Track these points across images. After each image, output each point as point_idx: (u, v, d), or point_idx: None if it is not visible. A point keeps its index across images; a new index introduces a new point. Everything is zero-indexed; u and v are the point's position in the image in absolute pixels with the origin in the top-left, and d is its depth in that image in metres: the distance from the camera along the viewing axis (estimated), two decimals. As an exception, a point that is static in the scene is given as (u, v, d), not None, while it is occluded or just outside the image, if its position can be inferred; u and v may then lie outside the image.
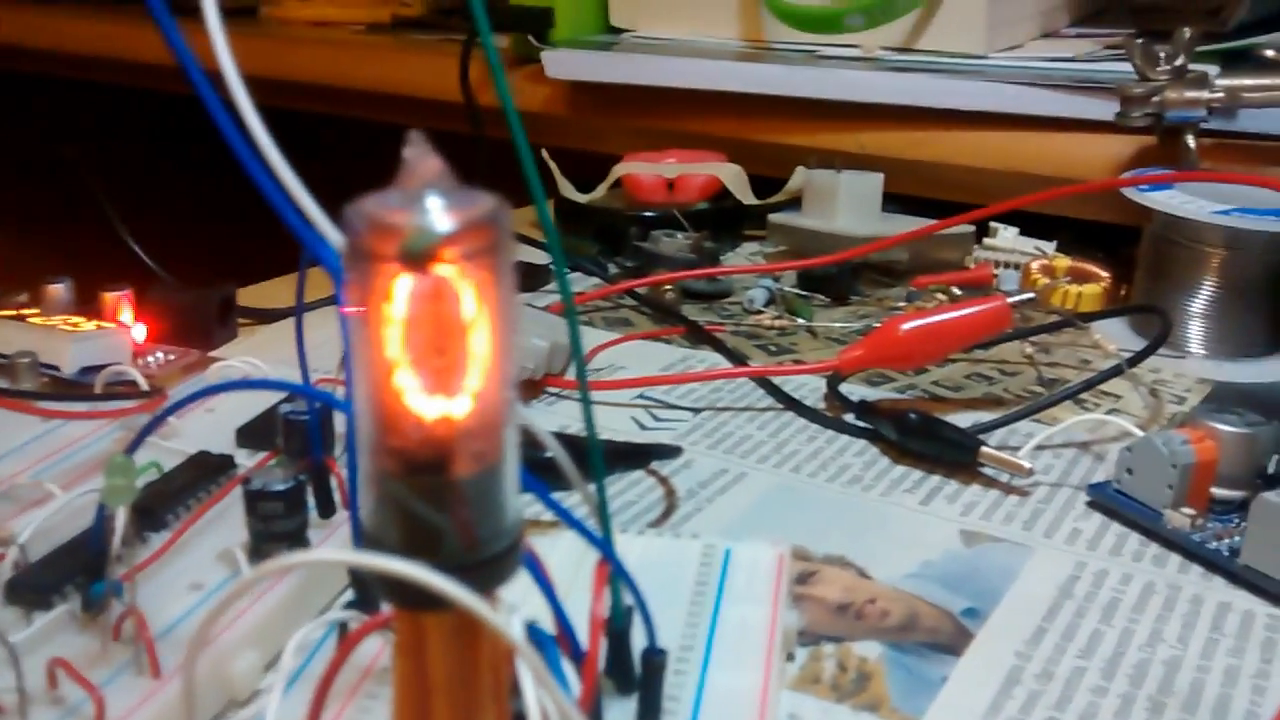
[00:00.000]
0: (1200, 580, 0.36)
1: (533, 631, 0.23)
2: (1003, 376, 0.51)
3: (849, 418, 0.46)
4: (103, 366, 0.44)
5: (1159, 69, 0.57)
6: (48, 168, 1.00)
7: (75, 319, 0.48)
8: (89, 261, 0.55)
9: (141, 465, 0.32)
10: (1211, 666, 0.32)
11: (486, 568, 0.19)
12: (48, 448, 0.40)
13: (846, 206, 0.62)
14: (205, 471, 0.37)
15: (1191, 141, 0.58)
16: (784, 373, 0.50)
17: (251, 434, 0.41)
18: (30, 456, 0.39)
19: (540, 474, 0.23)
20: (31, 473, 0.38)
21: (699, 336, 0.55)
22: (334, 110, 0.90)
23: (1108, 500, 0.40)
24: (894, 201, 0.64)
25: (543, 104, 0.78)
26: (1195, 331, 0.53)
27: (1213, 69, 0.59)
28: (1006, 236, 0.62)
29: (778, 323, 0.56)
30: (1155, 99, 0.57)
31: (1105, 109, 0.60)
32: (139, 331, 0.50)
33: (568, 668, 0.24)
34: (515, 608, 0.22)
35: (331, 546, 0.33)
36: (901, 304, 0.59)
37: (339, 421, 0.39)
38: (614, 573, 0.26)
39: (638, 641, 0.27)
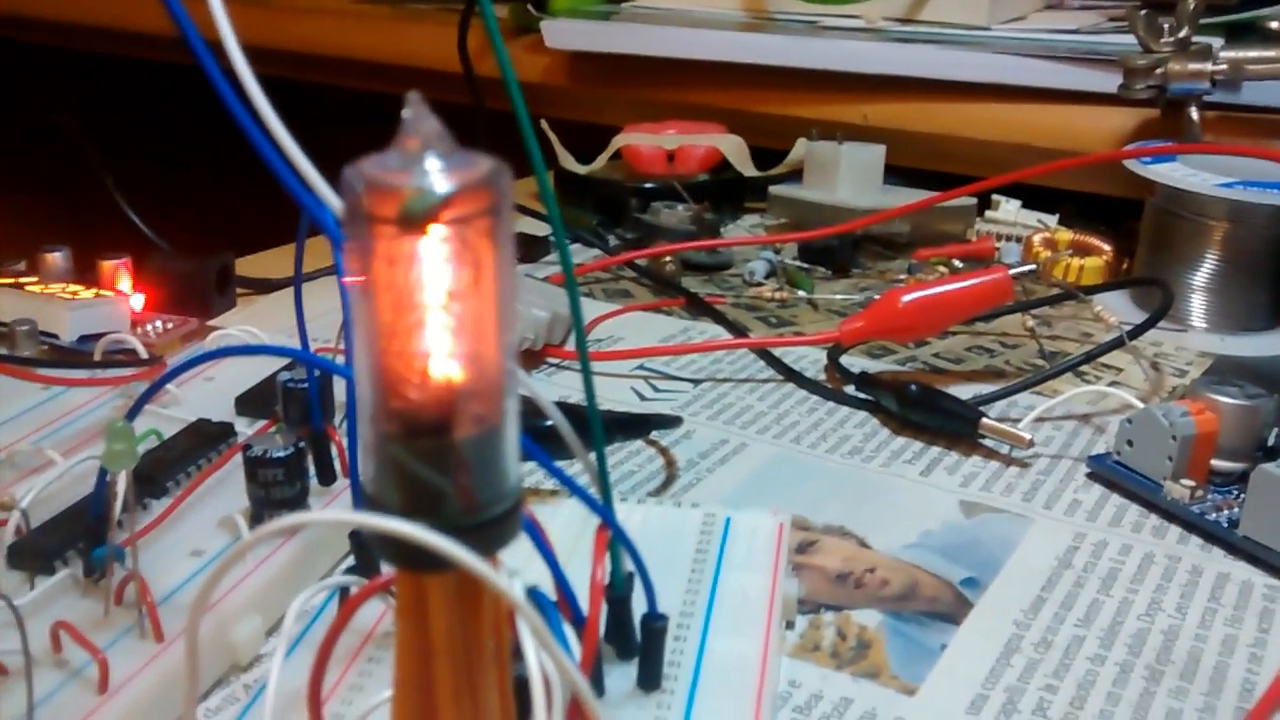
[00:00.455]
0: (1199, 551, 0.36)
1: (534, 596, 0.23)
2: (1003, 349, 0.51)
3: (849, 389, 0.46)
4: (101, 334, 0.44)
5: (1162, 41, 0.57)
6: (44, 137, 0.99)
7: (74, 287, 0.48)
8: (86, 230, 0.55)
9: (141, 433, 0.32)
10: (1209, 636, 0.32)
11: (487, 529, 0.19)
12: (47, 415, 0.40)
13: (848, 178, 0.62)
14: (205, 439, 0.37)
15: (1195, 114, 0.58)
16: (784, 344, 0.50)
17: (250, 402, 0.41)
18: (30, 424, 0.39)
19: (541, 442, 0.23)
20: (32, 440, 0.38)
21: (699, 308, 0.54)
22: (331, 80, 0.90)
23: (1108, 472, 0.40)
24: (895, 173, 0.64)
25: (542, 74, 0.77)
26: (1197, 305, 0.53)
27: (1217, 41, 0.59)
28: (1008, 209, 0.62)
29: (778, 295, 0.56)
30: (1159, 71, 0.57)
31: (1108, 81, 0.59)
32: (137, 300, 0.50)
33: (569, 633, 0.24)
34: (516, 572, 0.22)
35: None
36: (902, 276, 0.59)
37: (338, 390, 0.39)
38: (614, 538, 0.26)
39: (638, 608, 0.28)
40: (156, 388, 0.27)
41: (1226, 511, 0.37)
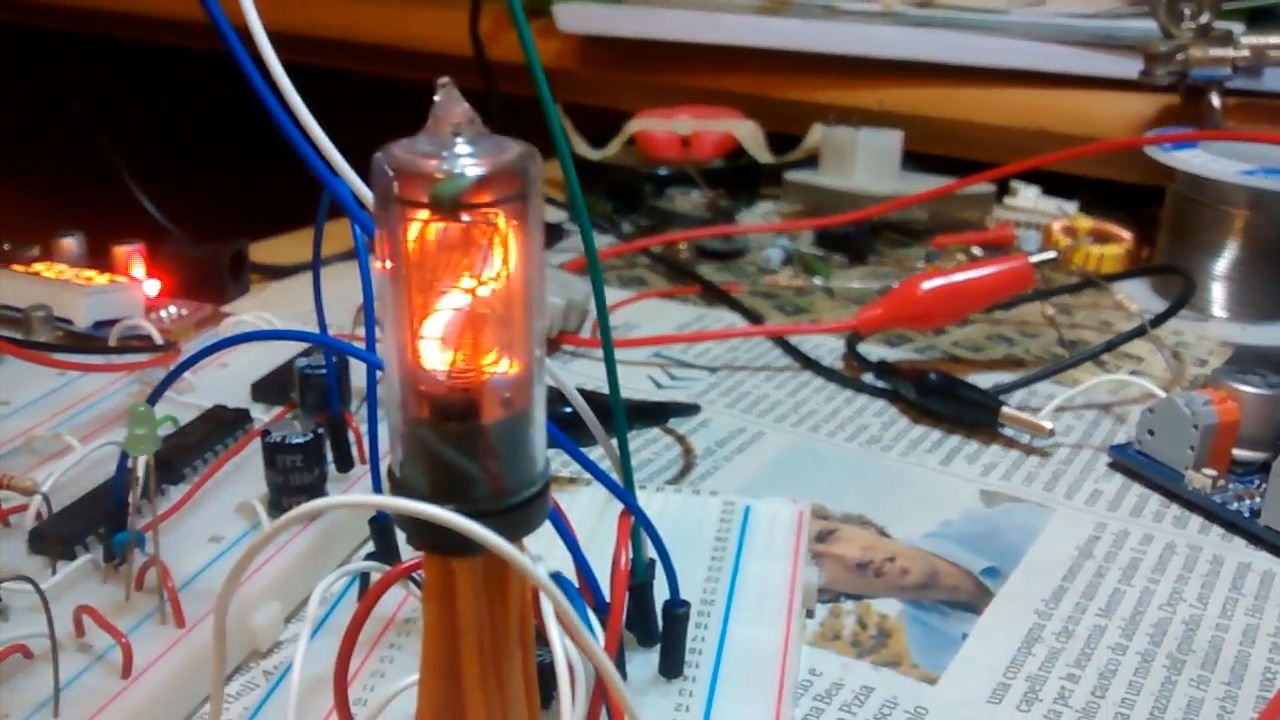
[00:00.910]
0: (1220, 541, 0.36)
1: (558, 581, 0.23)
2: (1023, 337, 0.51)
3: (868, 378, 0.46)
4: (115, 320, 0.43)
5: (1184, 26, 0.56)
6: (57, 122, 0.99)
7: (88, 273, 0.48)
8: (98, 216, 0.55)
9: (157, 419, 0.32)
10: (1230, 625, 0.32)
11: (515, 514, 0.19)
12: (64, 400, 0.40)
13: (865, 164, 0.62)
14: (221, 425, 0.37)
15: (1216, 100, 0.57)
16: (802, 331, 0.50)
17: (266, 388, 0.40)
18: (47, 409, 0.39)
19: (561, 428, 0.23)
20: (49, 425, 0.38)
21: (715, 296, 0.54)
22: (340, 64, 0.90)
23: (1129, 461, 0.40)
24: (913, 159, 0.64)
25: (554, 59, 0.77)
26: (1218, 293, 0.53)
27: (1238, 27, 0.58)
28: (1028, 196, 0.61)
29: (794, 282, 0.56)
30: (1180, 57, 0.56)
31: (1129, 66, 0.59)
32: (153, 286, 0.50)
33: (592, 619, 0.24)
34: (540, 558, 0.22)
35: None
36: (920, 264, 0.58)
37: (355, 375, 0.39)
38: (636, 524, 0.26)
39: (659, 596, 0.27)
40: (178, 373, 0.27)
41: (1248, 501, 0.37)
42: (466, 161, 0.17)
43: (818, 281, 0.56)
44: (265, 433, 0.33)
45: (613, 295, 0.54)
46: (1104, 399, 0.45)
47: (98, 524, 0.30)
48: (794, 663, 0.28)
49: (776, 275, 0.57)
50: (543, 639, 0.21)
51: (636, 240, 0.59)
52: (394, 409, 0.18)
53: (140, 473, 0.28)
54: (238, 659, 0.29)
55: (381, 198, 0.17)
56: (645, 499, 0.34)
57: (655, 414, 0.42)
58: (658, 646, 0.27)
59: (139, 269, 0.50)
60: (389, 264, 0.17)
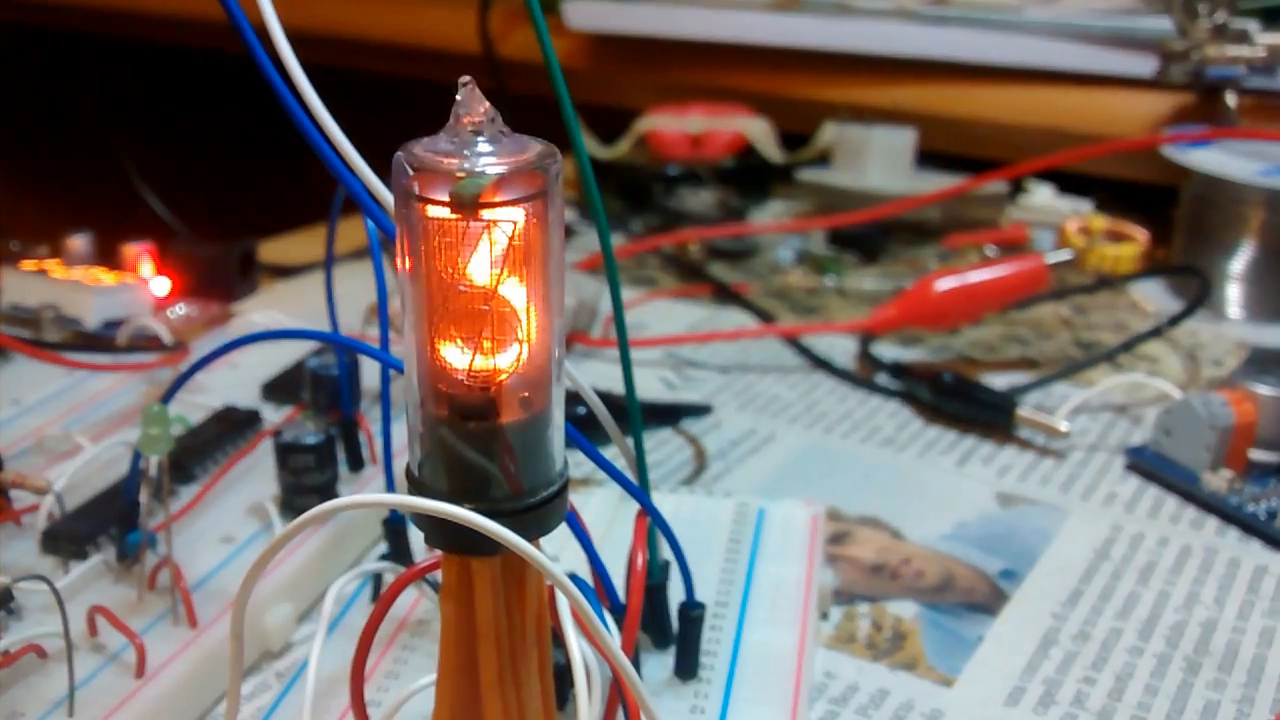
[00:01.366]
0: (1237, 543, 0.36)
1: (573, 582, 0.23)
2: (1038, 338, 0.51)
3: (881, 378, 0.46)
4: (125, 320, 0.43)
5: (1199, 24, 0.56)
6: (67, 122, 0.99)
7: (97, 272, 0.48)
8: (107, 216, 0.55)
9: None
10: (1247, 628, 0.32)
11: (533, 514, 0.18)
12: (74, 400, 0.40)
13: (877, 163, 0.61)
14: (232, 425, 0.37)
15: (1231, 99, 0.57)
16: (814, 331, 0.49)
17: (277, 388, 0.40)
18: (57, 409, 0.39)
19: (576, 427, 0.23)
20: (60, 425, 0.38)
21: (726, 295, 0.54)
22: (350, 62, 0.89)
23: (1145, 462, 0.39)
24: (926, 158, 0.63)
25: (564, 56, 0.76)
26: (1234, 293, 0.52)
27: (1254, 25, 0.58)
28: (1042, 195, 0.61)
29: (806, 282, 0.56)
30: (1195, 55, 0.56)
31: (1143, 65, 0.58)
32: (160, 285, 0.50)
33: (608, 620, 0.24)
34: (555, 559, 0.21)
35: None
36: (933, 264, 0.58)
37: (366, 376, 0.39)
38: (652, 525, 0.25)
39: (673, 598, 0.27)
40: (192, 372, 0.27)
41: (1265, 503, 0.36)
42: (487, 160, 0.17)
43: (830, 281, 0.56)
44: (277, 433, 0.33)
45: (623, 295, 0.54)
46: (1120, 400, 0.45)
47: (110, 524, 0.30)
48: (809, 665, 0.28)
49: (788, 275, 0.57)
50: (558, 640, 0.21)
51: (647, 239, 0.59)
52: (413, 409, 0.18)
53: (153, 473, 0.28)
54: (250, 659, 0.29)
55: (402, 196, 0.17)
56: (659, 500, 0.34)
57: (667, 414, 0.42)
58: (672, 648, 0.27)
59: (148, 268, 0.50)
60: (409, 262, 0.17)
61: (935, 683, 0.29)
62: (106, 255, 0.50)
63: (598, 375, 0.46)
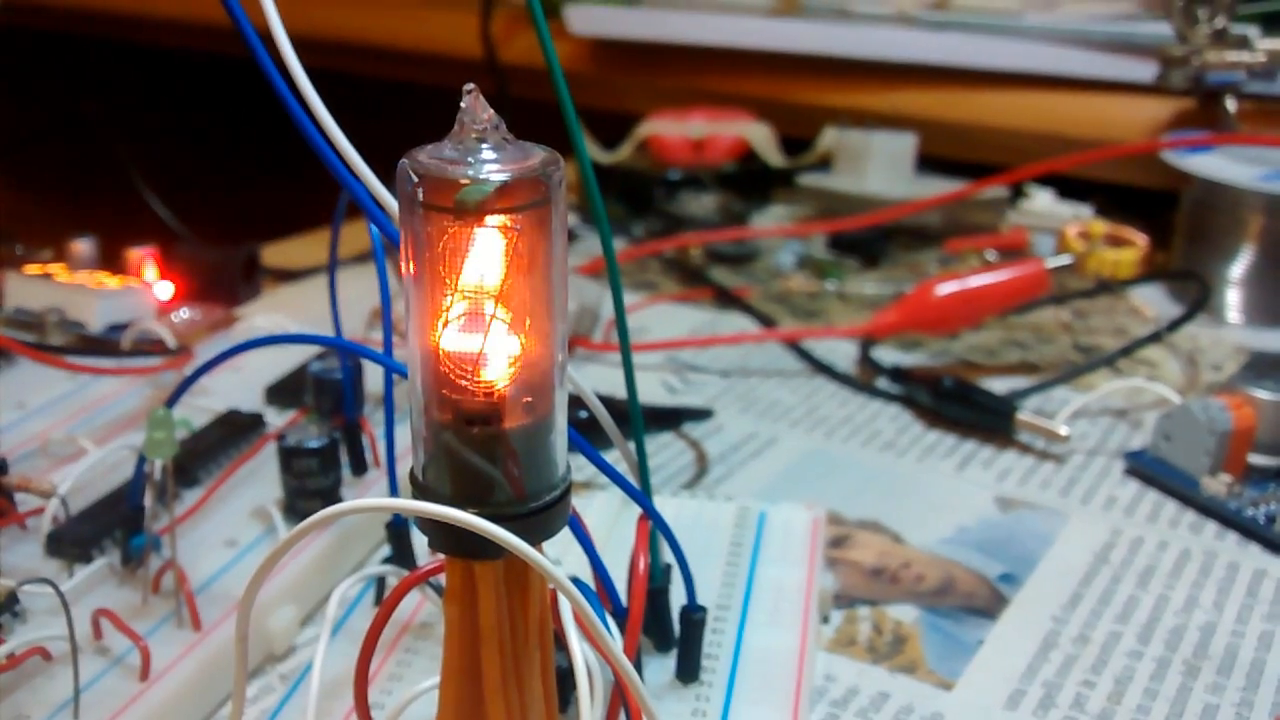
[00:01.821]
0: (1236, 547, 0.36)
1: (575, 585, 0.23)
2: (1038, 342, 0.51)
3: (881, 383, 0.46)
4: (129, 323, 0.44)
5: (1199, 30, 0.56)
6: (70, 126, 0.99)
7: (101, 276, 0.48)
8: (111, 220, 0.55)
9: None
10: (1246, 631, 0.32)
11: (536, 518, 0.19)
12: (78, 404, 0.40)
13: (878, 168, 0.61)
14: (235, 429, 0.37)
15: (1231, 104, 0.57)
16: (815, 335, 0.50)
17: (280, 392, 0.41)
18: (62, 412, 0.39)
19: (578, 431, 0.23)
20: (64, 429, 0.38)
21: (727, 300, 0.54)
22: (351, 67, 0.90)
23: (1144, 467, 0.39)
24: (927, 163, 0.63)
25: (565, 61, 0.77)
26: (1234, 298, 0.52)
27: (1254, 30, 0.58)
28: (1042, 200, 0.61)
29: (807, 286, 0.56)
30: (1195, 61, 0.56)
31: (1144, 70, 0.59)
32: (164, 289, 0.50)
33: (609, 623, 0.24)
34: (558, 563, 0.22)
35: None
36: (934, 268, 0.58)
37: (369, 380, 0.39)
38: (654, 529, 0.25)
39: (675, 601, 0.27)
40: (197, 376, 0.27)
41: (1264, 507, 0.37)
42: (491, 168, 0.17)
43: (830, 286, 0.56)
44: (281, 437, 0.33)
45: (625, 299, 0.54)
46: (1119, 405, 0.45)
47: (114, 527, 0.30)
48: (810, 668, 0.28)
49: (789, 279, 0.57)
50: (560, 642, 0.22)
51: (648, 244, 0.59)
52: (417, 413, 0.18)
53: (158, 476, 0.28)
54: (254, 662, 0.29)
55: (406, 203, 0.17)
56: (660, 504, 0.34)
57: (669, 418, 0.42)
58: (674, 651, 0.27)
59: (151, 272, 0.50)
60: (413, 267, 0.17)
61: (935, 686, 0.30)
62: (110, 259, 0.50)
63: (599, 379, 0.46)
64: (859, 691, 0.29)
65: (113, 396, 0.41)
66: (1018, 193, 0.63)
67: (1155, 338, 0.46)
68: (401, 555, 0.30)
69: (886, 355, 0.49)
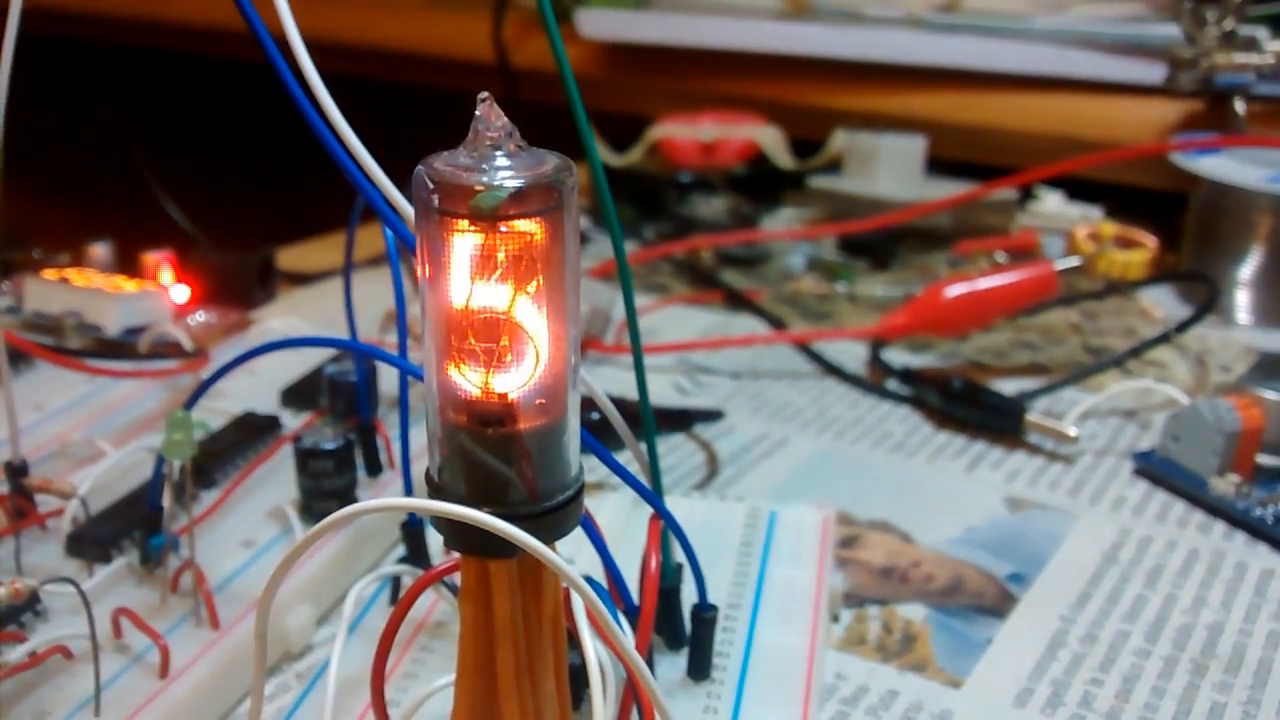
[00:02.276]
0: (1245, 547, 0.36)
1: (588, 583, 0.23)
2: (1047, 344, 0.51)
3: (891, 384, 0.46)
4: (145, 327, 0.44)
5: (1208, 32, 0.56)
6: (87, 131, 1.00)
7: (118, 280, 0.49)
8: (127, 224, 0.56)
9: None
10: (1254, 631, 0.32)
11: (550, 517, 0.19)
12: (96, 406, 0.41)
13: (888, 170, 0.62)
14: (252, 431, 0.37)
15: (1240, 106, 0.57)
16: (825, 337, 0.50)
17: (296, 394, 0.41)
18: (80, 414, 0.40)
19: (591, 433, 0.24)
20: (82, 430, 0.38)
21: (737, 302, 0.54)
22: (363, 71, 0.90)
23: (1153, 467, 0.39)
24: (936, 165, 0.64)
25: (576, 65, 0.76)
26: (1243, 300, 0.52)
27: (1262, 32, 0.58)
28: (1052, 202, 0.61)
29: (817, 288, 0.56)
30: (1204, 63, 0.56)
31: (1152, 72, 0.59)
32: (180, 293, 0.50)
33: (622, 621, 0.24)
34: (571, 562, 0.22)
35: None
36: (944, 270, 0.58)
37: (383, 382, 0.40)
38: (666, 527, 0.26)
39: (686, 600, 0.28)
40: (215, 378, 0.27)
41: (1272, 507, 0.37)
42: (505, 175, 0.17)
43: (840, 288, 0.56)
44: (297, 439, 0.33)
45: (636, 301, 0.54)
46: (1128, 405, 0.45)
47: (133, 528, 0.31)
48: (820, 666, 0.28)
49: (799, 281, 0.57)
50: (573, 640, 0.22)
51: (659, 246, 0.60)
52: (432, 415, 0.19)
53: (176, 477, 0.29)
54: (271, 661, 0.30)
55: (423, 209, 0.18)
56: (671, 505, 0.34)
57: (680, 420, 0.42)
58: (685, 649, 0.28)
59: (168, 276, 0.51)
60: (429, 270, 0.18)
61: (944, 684, 0.30)
62: (127, 263, 0.51)
63: (611, 381, 0.47)
64: (869, 690, 0.29)
65: (130, 399, 0.41)
66: (1027, 195, 0.63)
67: (1164, 339, 0.47)
68: (416, 555, 0.31)
69: (896, 357, 0.49)
